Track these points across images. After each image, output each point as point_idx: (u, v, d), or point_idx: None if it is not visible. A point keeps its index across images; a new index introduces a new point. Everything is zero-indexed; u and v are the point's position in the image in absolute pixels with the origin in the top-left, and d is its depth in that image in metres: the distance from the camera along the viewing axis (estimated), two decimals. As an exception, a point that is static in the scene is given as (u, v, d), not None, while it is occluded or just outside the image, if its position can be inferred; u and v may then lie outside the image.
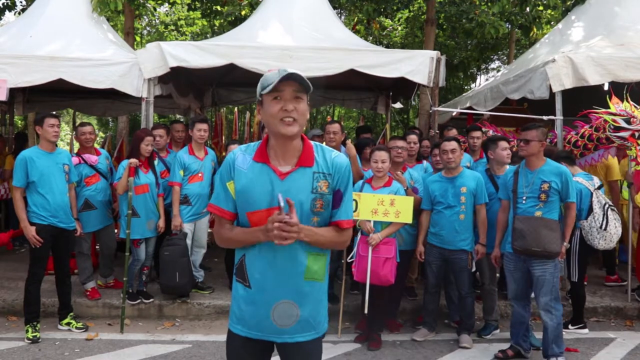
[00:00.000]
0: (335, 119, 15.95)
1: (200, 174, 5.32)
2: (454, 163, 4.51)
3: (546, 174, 4.02)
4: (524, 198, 4.06)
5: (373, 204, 4.38)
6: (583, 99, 6.11)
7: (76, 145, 5.82)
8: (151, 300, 5.14)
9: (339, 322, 4.77)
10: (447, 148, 4.51)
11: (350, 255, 4.61)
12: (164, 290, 5.14)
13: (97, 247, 5.90)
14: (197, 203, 5.30)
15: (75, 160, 5.12)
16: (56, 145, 4.66)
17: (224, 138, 9.91)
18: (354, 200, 4.45)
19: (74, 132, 5.63)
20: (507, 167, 4.81)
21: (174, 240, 5.07)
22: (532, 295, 4.21)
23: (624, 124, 5.29)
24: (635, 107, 5.30)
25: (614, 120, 5.32)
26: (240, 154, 2.06)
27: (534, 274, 4.03)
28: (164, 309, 5.13)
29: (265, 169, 2.01)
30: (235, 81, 8.41)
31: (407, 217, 4.35)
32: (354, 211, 4.43)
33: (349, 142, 5.30)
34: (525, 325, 4.25)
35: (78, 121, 14.11)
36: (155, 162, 5.33)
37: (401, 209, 4.34)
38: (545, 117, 6.01)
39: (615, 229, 4.90)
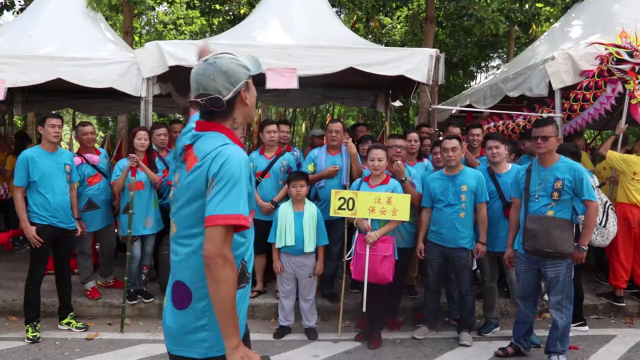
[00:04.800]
0: (335, 117, 15.93)
1: None
2: (454, 161, 4.50)
3: (560, 170, 3.92)
4: (536, 196, 3.98)
5: (370, 201, 4.38)
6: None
7: (76, 145, 5.82)
8: (151, 299, 5.14)
9: (339, 320, 4.77)
10: (447, 146, 4.50)
11: (349, 254, 4.61)
12: (163, 289, 5.13)
13: (96, 247, 5.91)
14: None
15: (77, 160, 5.12)
16: (59, 145, 4.67)
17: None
18: (351, 198, 4.46)
19: (75, 132, 5.64)
20: (510, 165, 4.80)
21: None
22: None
23: (626, 57, 5.35)
24: None
25: (618, 53, 5.37)
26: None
27: (547, 275, 3.98)
28: (164, 308, 5.12)
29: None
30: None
31: (404, 215, 4.35)
32: (351, 209, 4.44)
33: (349, 141, 5.31)
34: (528, 325, 4.24)
35: (78, 121, 14.10)
36: (155, 160, 5.34)
37: (398, 207, 4.34)
38: (544, 114, 6.01)
39: (613, 227, 4.90)
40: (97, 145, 5.60)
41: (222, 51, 1.92)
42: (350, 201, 4.46)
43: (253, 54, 6.08)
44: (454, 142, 4.50)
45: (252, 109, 1.95)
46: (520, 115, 6.63)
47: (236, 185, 1.72)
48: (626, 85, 5.49)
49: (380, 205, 4.36)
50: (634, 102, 5.50)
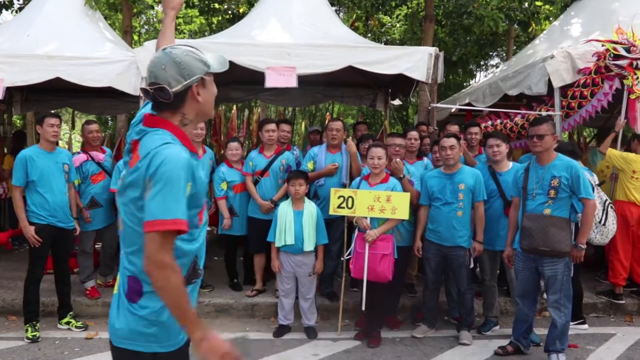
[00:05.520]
0: (335, 116, 15.91)
1: None
2: (452, 160, 4.50)
3: (557, 168, 3.91)
4: (534, 195, 3.98)
5: (369, 200, 4.38)
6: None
7: (75, 145, 5.82)
8: (151, 298, 5.12)
9: (339, 319, 4.77)
10: (445, 144, 4.50)
11: (348, 252, 4.61)
12: None
13: (96, 246, 5.90)
14: None
15: (83, 157, 5.13)
16: (57, 145, 4.67)
17: (222, 136, 9.90)
18: (350, 196, 4.45)
19: (81, 131, 5.66)
20: (511, 164, 4.81)
21: None
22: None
23: (623, 52, 5.37)
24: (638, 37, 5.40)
25: (615, 49, 5.40)
26: (184, 149, 1.79)
27: (544, 274, 3.97)
28: (163, 307, 5.12)
29: (196, 157, 1.88)
30: (233, 79, 8.37)
31: (404, 214, 4.34)
32: (351, 208, 4.44)
33: (349, 139, 5.31)
34: (528, 324, 4.24)
35: (77, 120, 14.07)
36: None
37: (398, 206, 4.34)
38: (543, 112, 6.00)
39: (612, 225, 4.90)
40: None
41: (184, 44, 1.86)
42: (350, 199, 4.46)
43: (252, 53, 6.04)
44: (452, 141, 4.50)
45: (207, 107, 1.89)
46: (519, 114, 6.63)
47: (174, 187, 1.65)
48: (624, 81, 5.50)
49: (380, 203, 4.36)
50: (633, 97, 5.50)
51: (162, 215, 1.63)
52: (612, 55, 5.45)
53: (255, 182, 5.32)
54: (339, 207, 4.51)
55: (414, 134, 5.27)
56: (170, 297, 1.66)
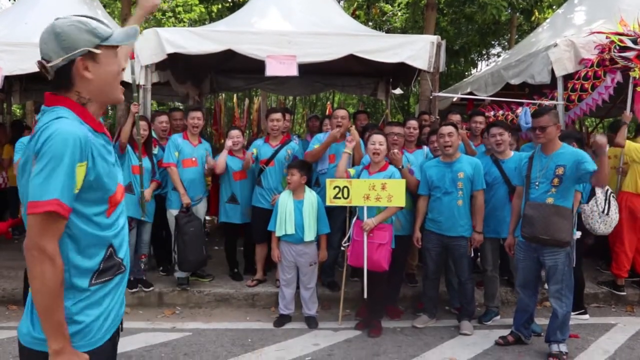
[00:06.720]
0: (335, 105, 15.86)
1: (194, 159, 5.27)
2: (450, 148, 4.47)
3: (561, 158, 3.88)
4: (537, 183, 3.95)
5: (365, 189, 4.35)
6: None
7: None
8: (151, 288, 5.13)
9: (340, 309, 4.76)
10: (444, 132, 4.48)
11: (345, 240, 4.60)
12: (189, 268, 5.08)
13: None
14: (190, 189, 5.24)
15: None
16: None
17: (222, 125, 9.87)
18: (346, 186, 4.42)
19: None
20: (512, 152, 4.79)
21: (192, 217, 5.06)
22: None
23: (630, 44, 5.30)
24: None
25: (621, 40, 5.33)
26: (81, 125, 1.58)
27: (545, 264, 3.95)
28: (164, 297, 5.13)
29: (106, 139, 1.70)
30: (234, 67, 8.33)
31: (400, 201, 4.31)
32: (347, 198, 4.42)
33: (352, 128, 5.27)
34: (529, 314, 4.23)
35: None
36: (155, 149, 5.31)
37: (393, 193, 4.30)
38: (545, 102, 5.96)
39: (615, 214, 4.89)
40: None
41: (81, 14, 1.65)
42: (345, 190, 4.44)
43: (252, 41, 5.93)
44: (450, 128, 4.48)
45: (106, 86, 1.64)
46: (520, 106, 6.58)
47: (59, 165, 1.45)
48: (631, 73, 5.42)
49: (375, 192, 4.33)
50: (639, 89, 5.43)
51: (44, 196, 1.44)
52: (617, 47, 5.37)
53: (260, 171, 5.30)
54: (335, 197, 4.48)
55: (413, 122, 5.23)
56: (41, 293, 1.49)
